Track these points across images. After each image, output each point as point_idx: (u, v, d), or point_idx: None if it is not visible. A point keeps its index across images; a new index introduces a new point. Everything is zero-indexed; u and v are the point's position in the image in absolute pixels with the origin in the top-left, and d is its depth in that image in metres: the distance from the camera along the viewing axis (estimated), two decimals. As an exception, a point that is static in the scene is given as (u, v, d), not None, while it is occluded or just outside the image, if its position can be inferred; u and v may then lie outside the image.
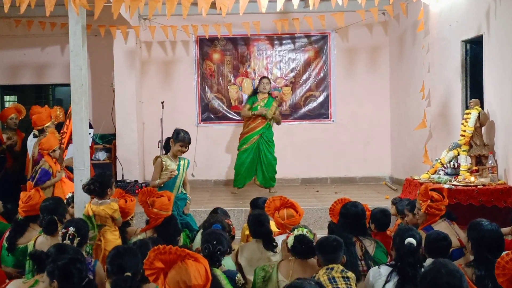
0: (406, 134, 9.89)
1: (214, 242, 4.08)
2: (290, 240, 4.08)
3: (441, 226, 5.01)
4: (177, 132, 6.43)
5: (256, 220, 4.99)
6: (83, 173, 6.37)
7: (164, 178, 6.24)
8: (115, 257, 3.83)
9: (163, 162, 6.30)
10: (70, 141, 7.59)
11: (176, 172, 6.27)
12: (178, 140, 6.34)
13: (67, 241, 4.53)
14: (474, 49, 7.59)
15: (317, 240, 4.12)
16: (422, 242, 4.15)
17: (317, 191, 9.66)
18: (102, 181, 5.63)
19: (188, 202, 6.52)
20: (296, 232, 4.10)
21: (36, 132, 7.97)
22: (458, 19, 7.74)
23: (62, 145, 7.58)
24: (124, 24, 9.43)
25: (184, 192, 6.48)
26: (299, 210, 5.38)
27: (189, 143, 6.43)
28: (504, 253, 3.41)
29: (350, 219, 4.93)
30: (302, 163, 10.91)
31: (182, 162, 6.43)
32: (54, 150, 7.24)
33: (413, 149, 9.53)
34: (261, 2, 6.54)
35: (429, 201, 5.08)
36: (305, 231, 4.11)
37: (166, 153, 6.52)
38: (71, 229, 4.63)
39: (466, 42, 7.65)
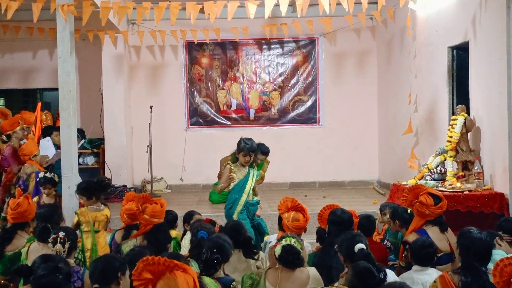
0: (394, 138, 9.96)
1: (215, 250, 4.06)
2: (278, 250, 4.09)
3: (434, 230, 5.05)
4: (239, 142, 6.50)
5: (233, 230, 4.98)
6: (72, 180, 6.42)
7: (225, 184, 6.39)
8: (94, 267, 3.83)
9: (232, 169, 6.43)
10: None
11: (235, 178, 6.35)
12: (240, 150, 6.44)
13: (58, 245, 4.56)
14: (460, 55, 7.65)
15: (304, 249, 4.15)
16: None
17: (305, 196, 9.68)
18: (105, 185, 5.78)
19: (260, 206, 6.70)
20: (284, 242, 4.12)
21: (4, 138, 7.94)
22: (445, 25, 7.81)
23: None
24: (113, 29, 9.43)
25: (256, 198, 6.60)
26: (306, 216, 5.45)
27: (252, 150, 6.45)
28: (504, 256, 3.48)
29: (339, 226, 4.96)
30: (291, 167, 10.95)
31: (252, 172, 6.51)
32: (35, 155, 7.25)
33: (400, 153, 9.59)
34: (249, 8, 6.61)
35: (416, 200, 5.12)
36: (293, 241, 4.12)
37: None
38: (61, 234, 4.65)
39: (452, 48, 7.72)
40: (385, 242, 6.17)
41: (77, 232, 5.50)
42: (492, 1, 6.54)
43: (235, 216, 6.29)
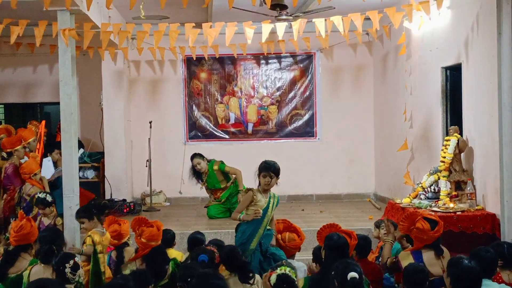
0: (390, 153, 10.11)
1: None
2: (273, 279, 4.23)
3: (429, 254, 5.17)
4: (260, 164, 5.95)
5: (230, 255, 5.10)
6: (73, 200, 6.54)
7: (248, 217, 5.80)
8: None
9: (254, 196, 5.82)
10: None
11: (261, 213, 5.77)
12: (260, 171, 5.87)
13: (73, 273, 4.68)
14: (454, 75, 7.79)
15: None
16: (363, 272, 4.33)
17: (303, 210, 9.82)
18: (103, 205, 5.94)
19: (274, 234, 6.01)
20: (279, 271, 4.25)
21: (5, 155, 8.04)
22: (439, 45, 7.96)
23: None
24: (112, 45, 9.56)
25: (269, 228, 5.97)
26: (301, 235, 5.59)
27: (271, 169, 5.84)
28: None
29: (335, 251, 5.08)
30: (288, 180, 10.98)
31: (272, 200, 5.92)
32: (35, 174, 7.33)
33: (396, 168, 9.74)
34: (247, 32, 6.74)
35: (413, 227, 5.25)
36: (288, 269, 4.26)
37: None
38: (77, 259, 4.80)
39: (446, 68, 7.87)
40: (380, 259, 6.31)
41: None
42: (484, 26, 6.69)
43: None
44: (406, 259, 5.16)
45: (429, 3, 6.63)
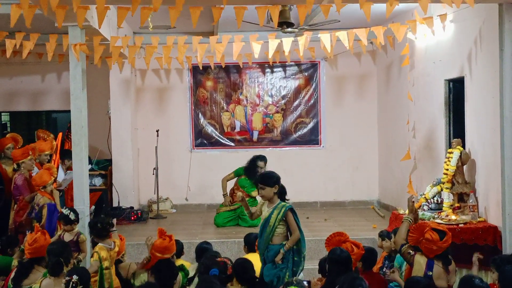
0: (394, 162, 10.23)
1: None
2: (282, 298, 4.36)
3: (438, 267, 5.23)
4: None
5: (241, 268, 5.25)
6: (83, 212, 6.66)
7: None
8: None
9: (262, 208, 5.86)
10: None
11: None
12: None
13: None
14: (457, 87, 7.90)
15: None
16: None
17: (307, 218, 9.95)
18: (101, 222, 6.06)
19: (282, 251, 5.65)
20: (288, 290, 4.38)
21: (15, 166, 8.12)
22: (442, 58, 8.07)
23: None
24: (120, 55, 9.67)
25: (272, 243, 5.71)
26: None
27: (258, 181, 5.84)
28: None
29: (338, 265, 5.21)
30: (293, 187, 11.02)
31: (276, 212, 5.70)
32: (45, 186, 7.40)
33: (400, 177, 9.87)
34: (254, 48, 6.87)
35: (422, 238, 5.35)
36: (297, 289, 4.39)
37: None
38: (75, 277, 4.93)
39: (449, 81, 7.98)
40: (384, 269, 6.43)
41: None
42: (487, 41, 6.82)
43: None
44: (419, 262, 5.20)
45: (433, 19, 6.75)
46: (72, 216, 6.24)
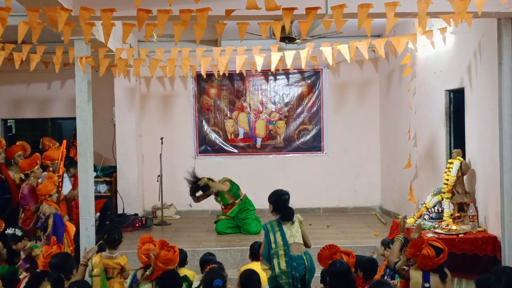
0: (395, 169, 10.33)
1: None
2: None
3: (435, 278, 5.35)
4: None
5: (248, 280, 5.36)
6: (89, 222, 6.80)
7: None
8: None
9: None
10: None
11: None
12: None
13: None
14: (457, 98, 7.99)
15: None
16: None
17: (310, 225, 10.03)
18: (119, 233, 6.16)
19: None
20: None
21: (22, 176, 8.25)
22: (443, 68, 8.16)
23: (59, 189, 7.81)
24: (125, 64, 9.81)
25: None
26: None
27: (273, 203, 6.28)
28: None
29: (338, 278, 5.31)
30: (296, 193, 11.00)
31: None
32: (51, 195, 7.49)
33: (401, 184, 9.97)
34: (257, 60, 7.00)
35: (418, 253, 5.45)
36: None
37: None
38: None
39: (450, 91, 8.07)
40: (385, 277, 6.53)
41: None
42: (486, 54, 6.91)
43: None
44: (415, 276, 5.30)
45: (433, 32, 6.85)
46: (18, 233, 6.37)
